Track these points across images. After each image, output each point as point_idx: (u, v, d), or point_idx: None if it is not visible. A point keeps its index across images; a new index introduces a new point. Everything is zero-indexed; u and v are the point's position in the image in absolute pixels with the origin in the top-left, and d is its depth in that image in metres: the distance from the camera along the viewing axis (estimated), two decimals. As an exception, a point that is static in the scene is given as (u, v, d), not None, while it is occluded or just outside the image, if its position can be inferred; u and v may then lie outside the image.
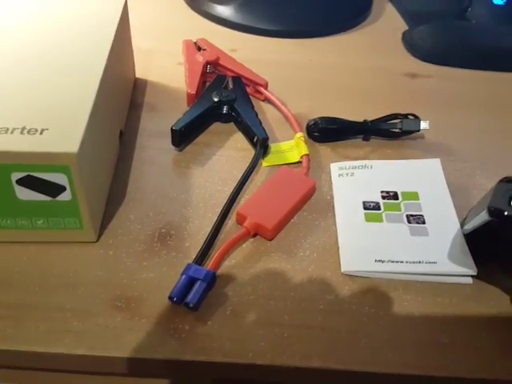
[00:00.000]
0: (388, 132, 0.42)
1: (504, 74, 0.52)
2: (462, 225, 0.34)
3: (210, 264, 0.31)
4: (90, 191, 0.30)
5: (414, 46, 0.54)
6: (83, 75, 0.33)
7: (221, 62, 0.46)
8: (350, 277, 0.32)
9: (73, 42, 0.36)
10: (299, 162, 0.39)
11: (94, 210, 0.32)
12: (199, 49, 0.48)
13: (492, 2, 0.60)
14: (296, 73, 0.50)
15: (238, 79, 0.44)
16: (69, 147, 0.28)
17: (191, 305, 0.29)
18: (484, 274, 0.32)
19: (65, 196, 0.29)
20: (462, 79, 0.51)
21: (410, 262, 0.32)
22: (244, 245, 0.33)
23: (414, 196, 0.36)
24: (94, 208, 0.32)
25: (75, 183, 0.29)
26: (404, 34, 0.56)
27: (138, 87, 0.46)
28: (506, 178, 0.27)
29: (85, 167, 0.29)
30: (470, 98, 0.48)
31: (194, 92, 0.42)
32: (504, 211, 0.25)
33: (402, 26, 0.59)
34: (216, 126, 0.43)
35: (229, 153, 0.40)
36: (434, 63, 0.52)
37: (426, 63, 0.53)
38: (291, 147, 0.41)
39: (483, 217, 0.28)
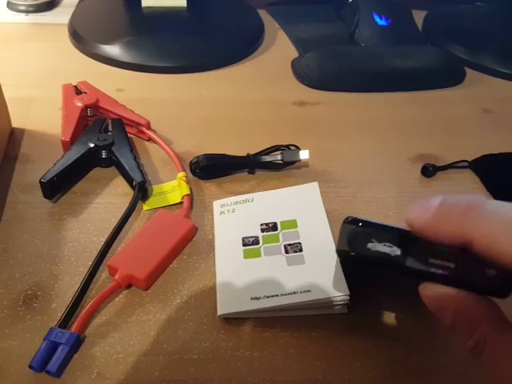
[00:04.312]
0: (271, 164, 0.42)
1: (390, 95, 0.54)
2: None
3: (74, 326, 0.29)
4: None
5: (302, 74, 0.55)
6: None
7: (101, 104, 0.45)
8: (228, 319, 0.31)
9: None
10: (181, 203, 0.39)
11: None
12: (80, 92, 0.46)
13: (377, 24, 0.63)
14: (185, 109, 0.50)
15: (118, 121, 0.43)
16: None
17: (52, 372, 0.27)
18: (358, 301, 0.32)
19: None
20: (349, 104, 0.52)
21: (285, 294, 0.31)
22: (117, 298, 0.32)
23: (292, 224, 0.36)
24: None
25: None
26: (293, 62, 0.57)
27: (14, 138, 0.44)
28: (348, 217, 0.27)
29: None
30: (354, 121, 0.49)
31: (69, 139, 0.41)
32: (349, 252, 0.26)
33: (293, 53, 0.60)
34: (96, 172, 0.41)
35: (108, 199, 0.39)
36: (321, 89, 0.54)
37: (314, 90, 0.54)
38: (174, 188, 0.40)
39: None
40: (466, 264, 0.22)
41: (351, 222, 0.26)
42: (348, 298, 0.31)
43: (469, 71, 0.58)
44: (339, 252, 0.26)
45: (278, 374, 0.29)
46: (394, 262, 0.24)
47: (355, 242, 0.25)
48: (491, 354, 0.21)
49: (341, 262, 0.31)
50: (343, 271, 0.32)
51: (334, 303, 0.31)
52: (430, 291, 0.23)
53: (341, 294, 0.31)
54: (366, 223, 0.26)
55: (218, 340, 0.30)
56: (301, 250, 0.34)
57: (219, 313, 0.31)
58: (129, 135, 0.43)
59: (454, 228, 0.20)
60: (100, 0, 0.65)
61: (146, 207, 0.39)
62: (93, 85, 0.47)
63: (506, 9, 0.67)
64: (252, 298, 0.31)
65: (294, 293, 0.31)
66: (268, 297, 0.31)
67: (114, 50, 0.55)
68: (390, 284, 0.32)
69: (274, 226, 0.36)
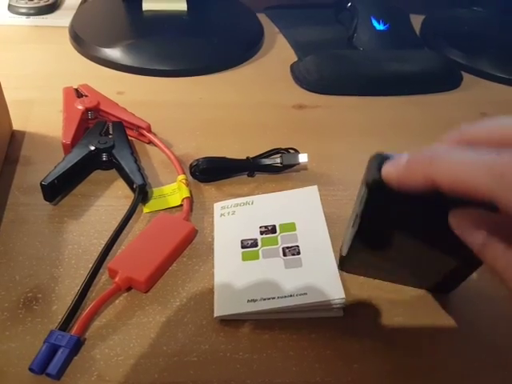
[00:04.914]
0: (271, 167, 0.42)
1: (388, 98, 0.54)
2: (341, 251, 0.34)
3: (74, 328, 0.30)
4: None
5: (301, 78, 0.55)
6: None
7: (102, 107, 0.45)
8: (227, 322, 0.31)
9: None
10: (181, 206, 0.39)
11: None
12: (80, 95, 0.47)
13: (375, 28, 0.63)
14: (185, 112, 0.50)
15: (119, 124, 0.44)
16: None
17: (52, 374, 0.28)
18: (357, 303, 0.32)
19: None
20: (347, 107, 0.52)
21: (282, 297, 0.31)
22: (117, 301, 0.32)
23: (291, 227, 0.36)
24: None
25: None
26: (292, 66, 0.58)
27: (15, 140, 0.44)
28: (376, 153, 0.26)
29: None
30: (353, 125, 0.50)
31: (69, 142, 0.41)
32: (382, 180, 0.24)
33: (292, 57, 0.60)
34: (97, 174, 0.42)
35: (108, 202, 0.39)
36: (320, 93, 0.54)
37: (313, 93, 0.54)
38: (174, 190, 0.40)
39: (362, 198, 0.27)
40: None
41: (379, 155, 0.25)
42: (344, 301, 0.31)
43: (466, 75, 0.58)
44: (370, 182, 0.25)
45: (276, 376, 0.29)
46: None
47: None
48: None
49: (366, 200, 0.27)
50: (367, 208, 0.28)
51: (330, 306, 0.31)
52: (463, 214, 0.23)
53: (337, 297, 0.31)
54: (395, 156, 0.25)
55: (217, 342, 0.30)
56: (298, 253, 0.34)
57: (216, 314, 0.31)
58: (129, 138, 0.43)
59: (422, 175, 0.22)
60: (101, 3, 0.65)
61: (146, 210, 0.39)
62: (93, 88, 0.48)
63: (503, 13, 0.68)
64: (249, 300, 0.32)
65: (291, 295, 0.32)
66: (265, 299, 0.32)
67: (114, 52, 0.55)
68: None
69: (272, 229, 0.36)
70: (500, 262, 0.22)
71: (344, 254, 0.33)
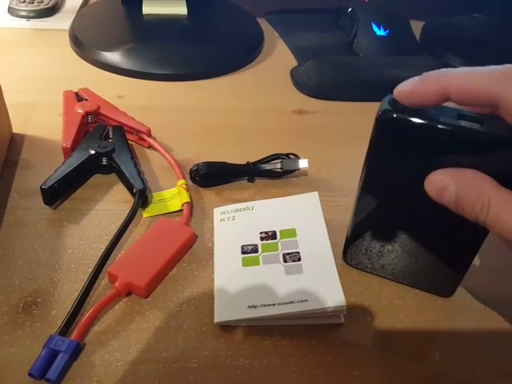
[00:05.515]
0: (271, 172, 0.42)
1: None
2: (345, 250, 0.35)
3: (74, 333, 0.29)
4: None
5: (301, 83, 0.55)
6: None
7: (102, 111, 0.45)
8: (227, 328, 0.31)
9: None
10: (181, 211, 0.39)
11: None
12: (80, 99, 0.46)
13: (375, 34, 0.63)
14: (185, 117, 0.50)
15: (119, 128, 0.43)
16: None
17: (52, 380, 0.27)
18: (357, 311, 0.32)
19: None
20: (347, 113, 0.52)
21: (282, 304, 0.31)
22: (117, 306, 0.32)
23: (291, 233, 0.36)
24: None
25: None
26: (292, 71, 0.58)
27: (14, 144, 0.44)
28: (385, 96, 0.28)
29: None
30: (353, 130, 0.50)
31: (70, 145, 0.41)
32: (393, 111, 0.27)
33: (292, 62, 0.61)
34: (96, 178, 0.41)
35: (108, 206, 0.39)
36: (320, 98, 0.54)
37: (313, 99, 0.54)
38: (173, 195, 0.40)
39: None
40: (490, 123, 0.25)
41: (391, 95, 0.27)
42: (344, 308, 0.31)
43: (466, 82, 0.58)
44: (382, 115, 0.27)
45: (277, 383, 0.29)
46: (431, 117, 0.26)
47: (395, 105, 0.27)
48: (495, 210, 0.24)
49: (374, 135, 0.30)
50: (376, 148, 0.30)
51: (331, 313, 0.31)
52: (434, 175, 0.26)
53: (337, 304, 0.31)
54: None
55: (217, 348, 0.30)
56: (299, 260, 0.34)
57: (216, 320, 0.31)
58: (129, 142, 0.43)
59: (436, 83, 0.25)
60: (101, 7, 0.65)
61: (145, 214, 0.39)
62: (93, 91, 0.47)
63: (503, 20, 0.68)
64: (249, 307, 0.31)
65: (291, 302, 0.31)
66: (265, 305, 0.31)
67: (114, 56, 0.55)
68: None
69: (273, 235, 0.36)
70: (476, 207, 0.24)
71: (349, 235, 0.34)
